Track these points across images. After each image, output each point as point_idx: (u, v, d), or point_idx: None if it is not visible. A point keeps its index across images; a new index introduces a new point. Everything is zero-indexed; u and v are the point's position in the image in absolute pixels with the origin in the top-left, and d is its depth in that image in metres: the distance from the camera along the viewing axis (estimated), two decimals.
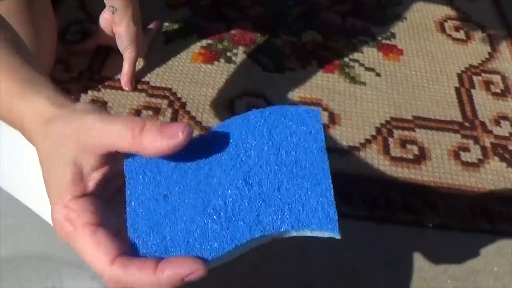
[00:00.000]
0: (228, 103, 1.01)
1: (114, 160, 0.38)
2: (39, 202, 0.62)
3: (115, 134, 0.36)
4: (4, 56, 0.42)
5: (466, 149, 0.99)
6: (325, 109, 1.01)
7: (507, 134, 1.02)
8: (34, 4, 0.87)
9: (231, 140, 0.39)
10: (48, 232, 0.64)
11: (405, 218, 0.87)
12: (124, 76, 1.00)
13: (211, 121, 0.96)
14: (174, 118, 0.96)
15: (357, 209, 0.87)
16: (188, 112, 0.97)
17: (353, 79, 1.08)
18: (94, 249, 0.36)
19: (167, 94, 1.01)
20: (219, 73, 1.07)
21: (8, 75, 0.42)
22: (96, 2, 1.02)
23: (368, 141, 0.97)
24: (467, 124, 1.03)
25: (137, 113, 0.96)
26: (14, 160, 0.57)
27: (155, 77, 1.05)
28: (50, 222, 0.63)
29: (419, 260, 0.83)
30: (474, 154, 0.98)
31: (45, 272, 0.70)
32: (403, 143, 0.98)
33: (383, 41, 1.17)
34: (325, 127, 0.98)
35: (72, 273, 0.68)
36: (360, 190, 0.89)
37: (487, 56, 1.18)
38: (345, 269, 0.81)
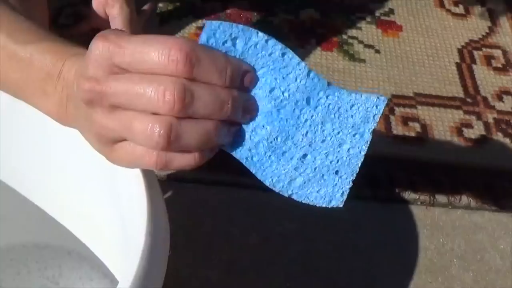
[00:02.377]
0: None
1: None
2: (37, 191, 0.61)
3: None
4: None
5: (469, 125, 0.97)
6: None
7: (510, 109, 1.01)
8: None
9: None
10: (47, 222, 0.63)
11: (409, 197, 0.86)
12: None
13: None
14: None
15: (360, 189, 0.86)
16: None
17: (352, 57, 1.06)
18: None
19: None
20: None
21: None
22: None
23: None
24: (469, 100, 1.01)
25: None
26: (10, 148, 0.56)
27: None
28: (48, 211, 0.61)
29: (424, 240, 0.82)
30: (477, 130, 0.97)
31: (44, 262, 0.69)
32: (405, 120, 0.96)
33: (382, 18, 1.15)
34: None
35: (72, 263, 0.67)
36: (362, 170, 0.87)
37: (487, 31, 1.16)
38: (349, 250, 0.80)
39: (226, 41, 0.38)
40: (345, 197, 0.42)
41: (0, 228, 0.64)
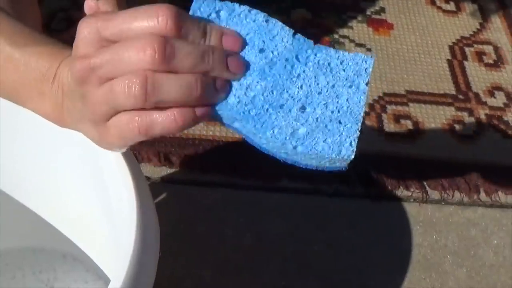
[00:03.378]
0: None
1: None
2: (31, 196, 0.62)
3: None
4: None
5: (461, 122, 0.98)
6: None
7: (501, 105, 1.01)
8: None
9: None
10: (42, 226, 0.63)
11: (402, 194, 0.87)
12: None
13: None
14: None
15: (354, 188, 0.86)
16: None
17: None
18: None
19: None
20: None
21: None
22: None
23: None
24: (460, 96, 1.02)
25: None
26: (5, 155, 0.56)
27: None
28: (43, 216, 0.62)
29: (417, 236, 0.83)
30: (469, 126, 0.97)
31: (39, 265, 0.69)
32: (397, 118, 0.97)
33: (373, 16, 1.16)
34: None
35: (66, 266, 0.68)
36: (356, 168, 0.88)
37: (479, 27, 1.16)
38: (344, 249, 0.81)
39: (210, 14, 0.40)
40: (354, 147, 0.41)
41: None
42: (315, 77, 0.41)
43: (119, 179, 0.45)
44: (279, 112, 0.40)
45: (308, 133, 0.41)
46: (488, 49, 1.12)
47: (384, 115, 0.97)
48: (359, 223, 0.83)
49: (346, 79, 0.41)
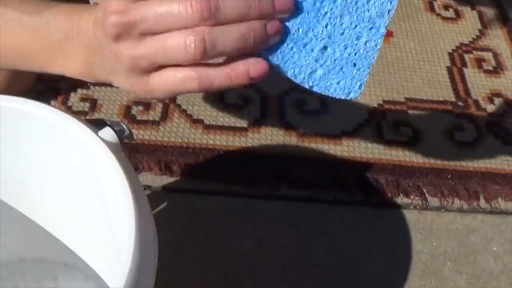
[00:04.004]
0: (218, 94, 1.00)
1: None
2: (32, 206, 0.62)
3: None
4: None
5: (461, 129, 0.98)
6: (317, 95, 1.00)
7: (501, 111, 1.02)
8: None
9: None
10: (43, 236, 0.63)
11: (401, 202, 0.87)
12: None
13: (202, 113, 0.95)
14: (165, 112, 0.95)
15: (353, 195, 0.87)
16: (179, 106, 0.96)
17: None
18: None
19: None
20: None
21: None
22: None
23: (361, 126, 0.96)
24: (460, 103, 1.02)
25: (128, 108, 0.95)
26: (6, 165, 0.57)
27: None
28: (44, 226, 0.62)
29: (417, 243, 0.83)
30: (469, 133, 0.98)
31: (40, 275, 0.70)
32: (397, 125, 0.97)
33: None
34: (316, 112, 0.97)
35: (67, 274, 0.68)
36: (355, 176, 0.89)
37: (478, 34, 1.17)
38: (344, 255, 0.81)
39: None
40: (362, 89, 0.44)
41: None
42: (340, 16, 0.42)
43: (118, 189, 0.45)
44: (301, 51, 0.42)
45: (325, 74, 0.42)
46: (488, 55, 1.12)
47: (383, 123, 0.97)
48: (359, 230, 0.84)
49: (368, 20, 0.42)
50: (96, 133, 0.49)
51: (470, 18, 1.20)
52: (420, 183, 0.89)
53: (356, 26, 0.42)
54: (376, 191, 0.87)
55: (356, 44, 0.42)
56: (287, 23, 0.41)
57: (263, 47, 0.40)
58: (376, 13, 0.42)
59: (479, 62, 1.10)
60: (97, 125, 0.51)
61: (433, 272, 0.80)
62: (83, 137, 0.48)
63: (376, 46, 0.43)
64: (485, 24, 1.19)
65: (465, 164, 0.92)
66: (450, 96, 1.03)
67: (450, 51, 1.12)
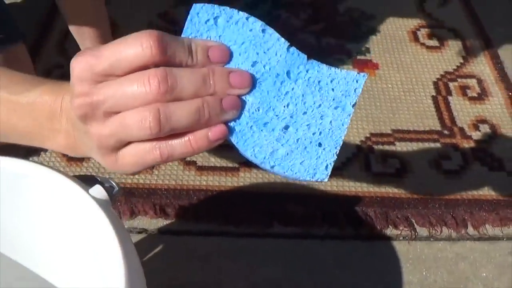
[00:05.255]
0: None
1: None
2: (33, 259, 0.64)
3: None
4: None
5: (447, 157, 1.00)
6: None
7: (487, 138, 1.04)
8: (10, 60, 0.89)
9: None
10: (43, 284, 0.66)
11: (391, 233, 0.89)
12: None
13: (195, 155, 0.97)
14: None
15: (343, 229, 0.89)
16: None
17: None
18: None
19: None
20: None
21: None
22: (76, 46, 1.05)
23: (349, 160, 0.99)
24: (446, 132, 1.04)
25: None
26: (7, 222, 0.59)
27: None
28: (44, 277, 0.64)
29: (407, 274, 0.85)
30: (456, 161, 1.00)
31: None
32: (384, 158, 0.99)
33: (358, 57, 1.19)
34: None
35: None
36: (344, 210, 0.91)
37: (462, 61, 1.20)
38: None
39: (208, 20, 0.41)
40: (329, 170, 0.42)
41: None
42: (303, 95, 0.41)
43: (108, 245, 0.48)
44: (262, 130, 0.41)
45: (287, 154, 0.41)
46: (472, 82, 1.15)
47: (371, 156, 1.00)
48: (351, 263, 0.86)
49: (333, 99, 0.41)
50: (87, 191, 0.51)
51: (453, 46, 1.23)
52: (409, 214, 0.91)
53: (320, 105, 0.41)
54: (366, 224, 0.90)
55: (320, 123, 0.41)
56: (246, 102, 0.41)
57: (219, 121, 0.40)
58: (341, 92, 0.41)
59: (463, 89, 1.13)
60: (88, 181, 0.53)
61: None
62: (75, 196, 0.51)
63: (343, 125, 0.41)
64: (469, 50, 1.22)
65: (452, 193, 0.95)
66: (436, 125, 1.06)
67: (435, 80, 1.15)
